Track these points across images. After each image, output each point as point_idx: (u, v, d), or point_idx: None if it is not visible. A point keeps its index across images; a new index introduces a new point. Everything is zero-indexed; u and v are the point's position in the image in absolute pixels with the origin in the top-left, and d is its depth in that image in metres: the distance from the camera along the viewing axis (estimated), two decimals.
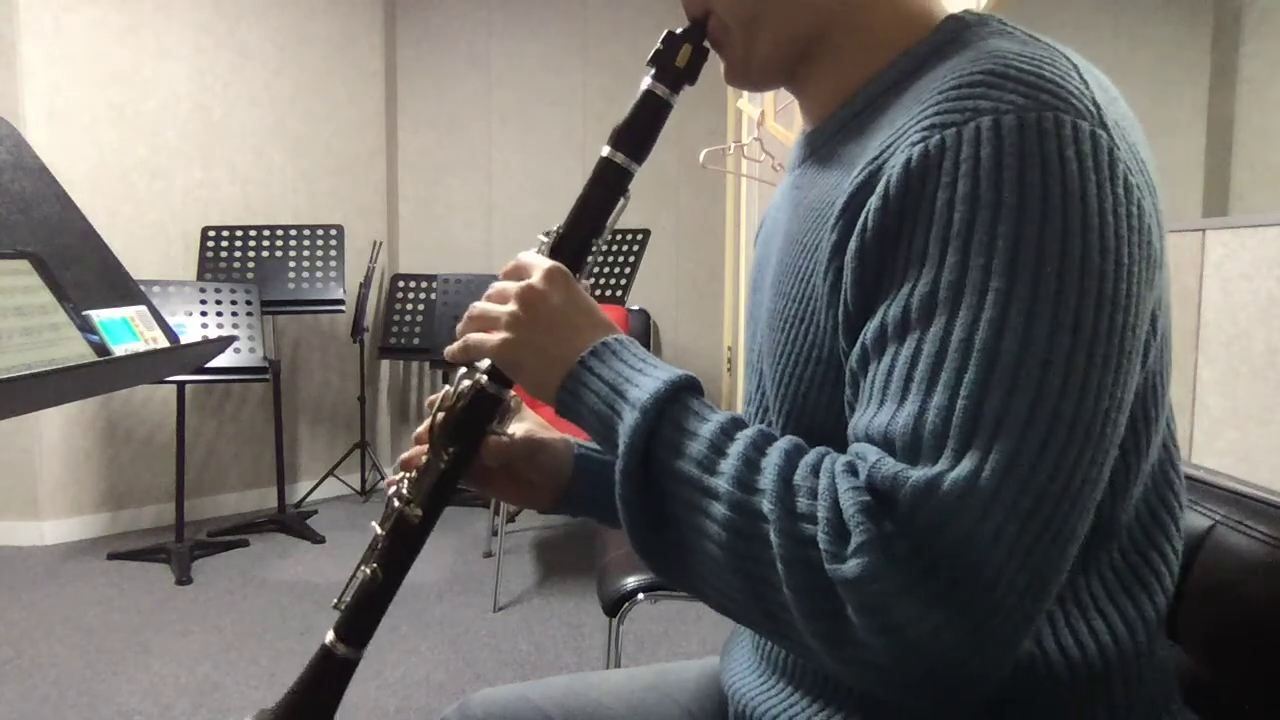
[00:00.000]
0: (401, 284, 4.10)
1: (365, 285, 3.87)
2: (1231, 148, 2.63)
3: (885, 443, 0.49)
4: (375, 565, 0.71)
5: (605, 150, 0.70)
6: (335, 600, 0.73)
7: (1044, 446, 0.46)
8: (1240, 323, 1.67)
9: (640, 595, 1.35)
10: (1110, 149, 0.50)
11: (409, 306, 4.06)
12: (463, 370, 0.73)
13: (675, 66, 0.69)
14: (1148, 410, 0.56)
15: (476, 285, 3.73)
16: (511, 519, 3.61)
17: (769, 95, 2.41)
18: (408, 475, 0.74)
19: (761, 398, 0.70)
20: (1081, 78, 0.52)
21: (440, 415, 0.73)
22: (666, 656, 2.45)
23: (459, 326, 0.70)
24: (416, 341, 4.00)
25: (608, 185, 0.71)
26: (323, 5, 3.92)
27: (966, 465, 0.46)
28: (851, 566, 0.46)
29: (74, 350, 1.04)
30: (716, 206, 4.19)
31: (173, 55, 3.50)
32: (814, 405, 0.61)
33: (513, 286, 0.67)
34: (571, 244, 0.71)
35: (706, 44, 0.69)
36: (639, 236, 3.55)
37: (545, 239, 0.72)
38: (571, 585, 2.95)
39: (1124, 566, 0.58)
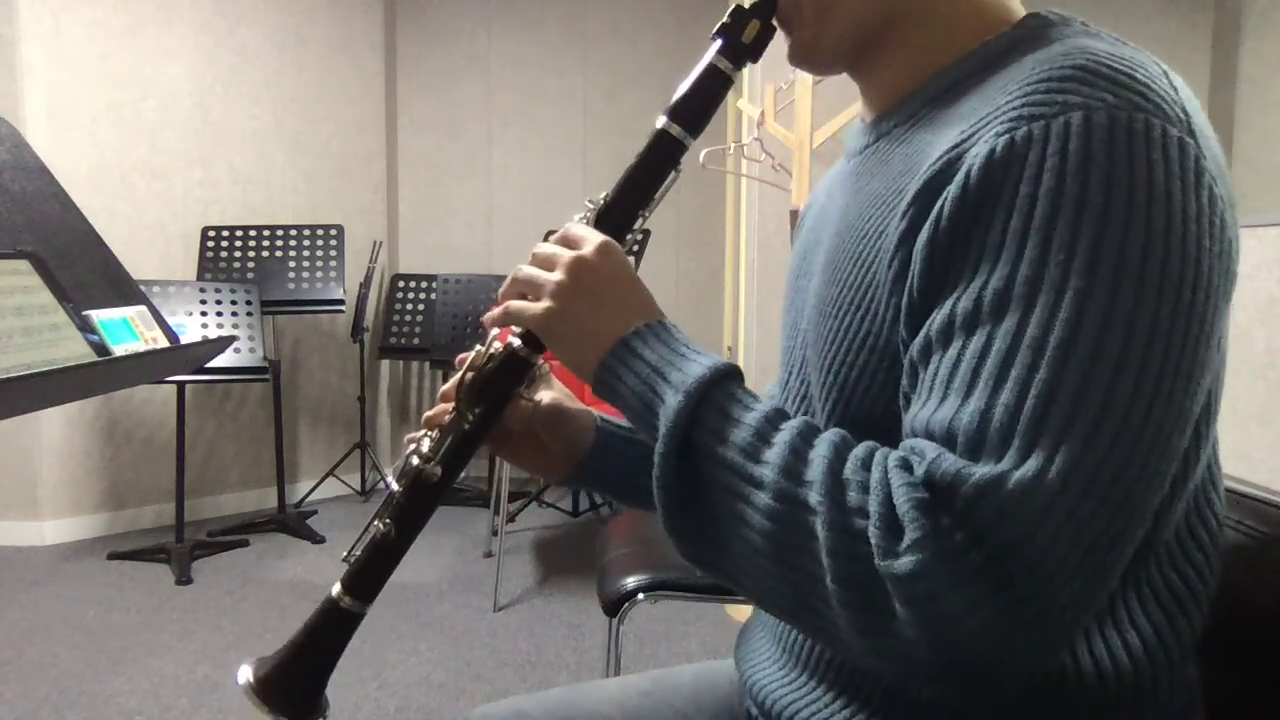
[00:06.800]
0: (401, 284, 4.10)
1: (365, 285, 3.87)
2: (1231, 148, 2.63)
3: (947, 438, 0.49)
4: (389, 520, 0.71)
5: (660, 121, 0.68)
6: (345, 553, 0.73)
7: (1110, 451, 0.46)
8: (1240, 323, 1.67)
9: (640, 595, 1.35)
10: (1197, 157, 0.49)
11: (409, 306, 4.06)
12: (496, 330, 0.73)
13: (741, 42, 0.67)
14: (1199, 429, 0.55)
15: (476, 285, 3.73)
16: (511, 519, 3.61)
17: (769, 95, 2.41)
18: (429, 433, 0.73)
19: (803, 387, 0.69)
20: (1171, 83, 0.52)
21: (469, 374, 0.72)
22: (666, 656, 2.46)
23: (501, 290, 0.69)
24: (416, 341, 4.00)
25: (661, 156, 0.69)
26: (323, 5, 3.92)
27: (1032, 465, 0.45)
28: (905, 563, 0.45)
29: (74, 350, 1.04)
30: (716, 206, 4.19)
31: (173, 55, 3.50)
32: (863, 393, 0.60)
33: (563, 254, 0.65)
34: (617, 213, 0.69)
35: (775, 22, 0.68)
36: (639, 237, 3.54)
37: (590, 205, 0.70)
38: (571, 585, 2.95)
39: (1161, 583, 0.58)
